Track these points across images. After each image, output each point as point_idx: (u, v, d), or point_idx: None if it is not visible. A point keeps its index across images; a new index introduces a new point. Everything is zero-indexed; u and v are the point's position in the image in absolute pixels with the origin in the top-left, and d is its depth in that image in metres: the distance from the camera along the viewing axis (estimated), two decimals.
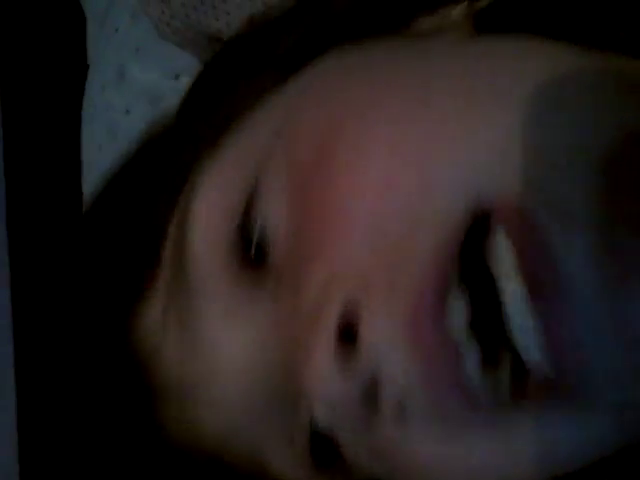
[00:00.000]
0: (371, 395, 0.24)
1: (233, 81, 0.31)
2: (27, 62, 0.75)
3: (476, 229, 0.23)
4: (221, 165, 0.28)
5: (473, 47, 0.26)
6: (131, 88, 0.52)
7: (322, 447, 0.27)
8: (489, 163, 0.23)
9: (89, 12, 0.62)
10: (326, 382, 0.24)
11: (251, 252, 0.26)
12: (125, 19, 0.55)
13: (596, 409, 0.23)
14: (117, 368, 0.29)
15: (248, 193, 0.26)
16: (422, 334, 0.23)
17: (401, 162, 0.24)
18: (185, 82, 0.41)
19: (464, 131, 0.24)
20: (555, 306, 0.22)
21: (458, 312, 0.22)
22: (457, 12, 0.28)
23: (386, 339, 0.24)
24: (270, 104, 0.28)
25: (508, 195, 0.22)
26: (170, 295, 0.28)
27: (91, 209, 0.34)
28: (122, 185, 0.32)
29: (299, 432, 0.27)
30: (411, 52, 0.27)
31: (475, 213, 0.23)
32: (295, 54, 0.29)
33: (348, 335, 0.24)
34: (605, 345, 0.22)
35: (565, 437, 0.24)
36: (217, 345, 0.27)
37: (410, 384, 0.24)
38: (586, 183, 0.22)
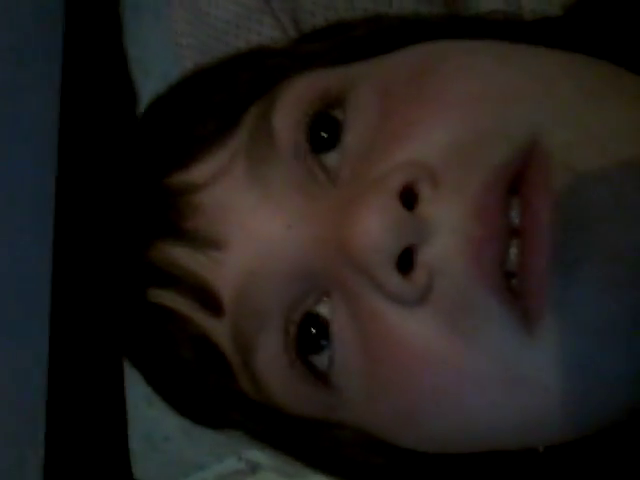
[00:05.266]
0: (407, 258, 0.25)
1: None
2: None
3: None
4: (317, 75, 0.31)
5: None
6: None
7: (311, 333, 0.28)
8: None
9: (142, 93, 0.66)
10: (373, 229, 0.25)
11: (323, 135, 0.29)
12: None
13: None
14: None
15: (335, 94, 0.29)
16: (489, 212, 0.25)
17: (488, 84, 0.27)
18: None
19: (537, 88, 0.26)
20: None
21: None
22: None
23: (449, 211, 0.25)
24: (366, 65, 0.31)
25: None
26: (247, 154, 0.29)
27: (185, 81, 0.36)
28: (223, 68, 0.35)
29: (298, 313, 0.29)
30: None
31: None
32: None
33: (407, 201, 0.25)
34: None
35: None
36: (277, 207, 0.28)
37: (456, 259, 0.25)
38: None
